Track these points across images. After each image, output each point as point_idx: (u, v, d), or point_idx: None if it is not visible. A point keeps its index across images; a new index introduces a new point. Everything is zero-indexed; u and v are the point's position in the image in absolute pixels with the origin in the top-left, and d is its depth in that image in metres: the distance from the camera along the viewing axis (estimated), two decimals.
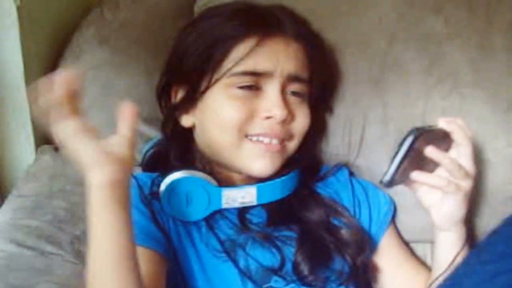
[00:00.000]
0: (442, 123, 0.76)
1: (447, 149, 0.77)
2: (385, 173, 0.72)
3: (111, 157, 0.64)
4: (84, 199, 0.90)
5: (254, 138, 0.81)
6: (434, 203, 0.79)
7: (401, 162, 0.72)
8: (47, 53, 1.03)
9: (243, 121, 0.80)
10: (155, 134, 0.98)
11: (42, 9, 1.01)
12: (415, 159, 0.73)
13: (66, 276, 0.79)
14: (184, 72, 0.83)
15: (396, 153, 0.72)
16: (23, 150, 1.00)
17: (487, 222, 0.91)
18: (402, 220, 0.93)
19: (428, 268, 0.91)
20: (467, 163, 0.76)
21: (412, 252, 0.95)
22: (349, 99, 0.95)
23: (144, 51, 1.03)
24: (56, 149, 1.01)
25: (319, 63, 0.87)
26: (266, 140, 0.81)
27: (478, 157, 0.88)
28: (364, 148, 0.95)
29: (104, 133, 0.97)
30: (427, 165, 0.76)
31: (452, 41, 0.93)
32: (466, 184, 0.77)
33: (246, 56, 0.79)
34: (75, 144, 0.64)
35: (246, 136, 0.81)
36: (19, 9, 0.93)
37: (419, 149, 0.73)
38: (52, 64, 1.03)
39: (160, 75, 0.89)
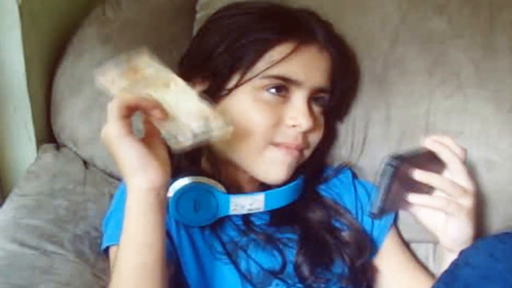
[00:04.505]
0: (427, 144, 0.73)
1: (442, 167, 0.74)
2: (372, 205, 0.69)
3: (154, 162, 0.65)
4: (86, 198, 0.91)
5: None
6: (439, 226, 0.75)
7: (387, 192, 0.68)
8: (48, 52, 1.03)
9: (269, 128, 0.79)
10: None
11: (44, 8, 1.01)
12: (406, 185, 0.70)
13: (67, 275, 0.78)
14: (209, 68, 0.81)
15: (379, 183, 0.68)
16: (25, 148, 0.99)
17: (491, 223, 0.91)
18: (405, 219, 0.92)
19: (430, 272, 0.91)
20: (462, 180, 0.72)
21: (414, 256, 0.94)
22: (352, 99, 0.95)
23: (146, 50, 1.02)
24: (58, 147, 1.00)
25: (343, 72, 0.86)
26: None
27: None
28: (367, 148, 0.95)
29: None
30: (422, 187, 0.72)
31: (455, 41, 0.93)
32: (466, 202, 0.72)
33: (282, 60, 0.78)
34: (118, 148, 0.64)
35: (270, 143, 0.80)
36: (20, 8, 0.92)
37: (407, 174, 0.70)
38: (53, 63, 1.02)
39: (179, 69, 0.87)
